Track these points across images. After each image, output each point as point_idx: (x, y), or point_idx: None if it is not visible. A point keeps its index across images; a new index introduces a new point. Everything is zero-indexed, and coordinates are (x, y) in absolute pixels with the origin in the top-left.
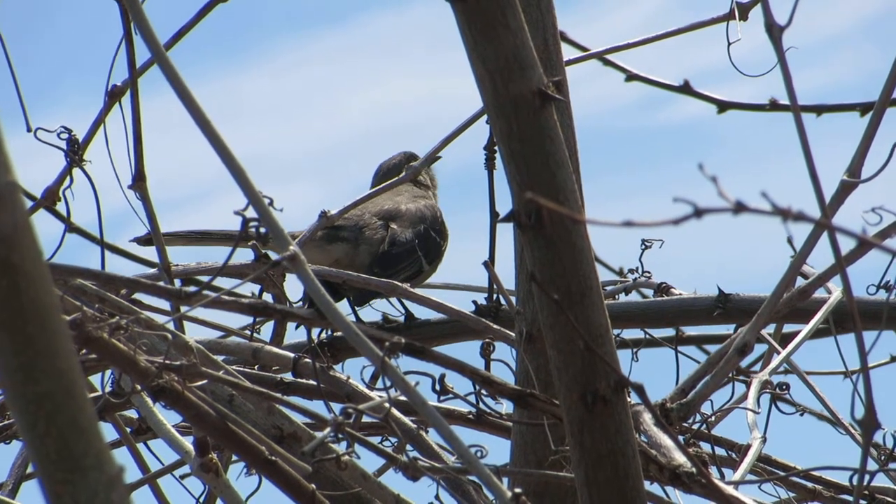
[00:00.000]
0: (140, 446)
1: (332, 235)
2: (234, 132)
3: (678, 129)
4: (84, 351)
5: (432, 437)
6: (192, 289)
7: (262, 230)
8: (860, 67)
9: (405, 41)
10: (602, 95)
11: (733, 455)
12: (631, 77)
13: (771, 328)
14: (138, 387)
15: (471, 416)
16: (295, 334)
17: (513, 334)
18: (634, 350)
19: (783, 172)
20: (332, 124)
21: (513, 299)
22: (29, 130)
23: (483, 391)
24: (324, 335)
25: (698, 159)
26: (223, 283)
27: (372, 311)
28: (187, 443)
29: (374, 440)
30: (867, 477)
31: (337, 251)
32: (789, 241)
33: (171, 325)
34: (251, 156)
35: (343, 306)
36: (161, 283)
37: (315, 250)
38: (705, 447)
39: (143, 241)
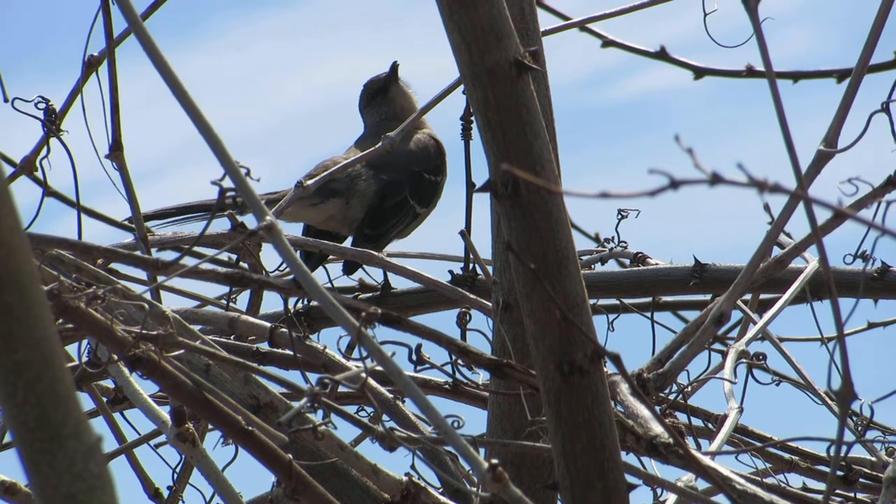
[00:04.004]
0: (116, 416)
1: (325, 190)
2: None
3: (638, 105)
4: (61, 321)
5: (409, 408)
6: (168, 258)
7: (239, 200)
8: (816, 43)
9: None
10: (562, 69)
11: (710, 425)
12: (607, 43)
13: (747, 297)
14: (115, 356)
15: (447, 386)
16: (271, 304)
17: (489, 304)
18: (611, 319)
19: (755, 145)
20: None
21: (489, 269)
22: (6, 101)
23: (459, 361)
24: (300, 305)
25: (663, 133)
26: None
27: (348, 279)
28: (164, 412)
29: (351, 410)
30: (844, 448)
31: (330, 208)
32: (766, 207)
33: (147, 295)
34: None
35: (319, 275)
36: (138, 253)
37: (308, 209)
38: (682, 417)
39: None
